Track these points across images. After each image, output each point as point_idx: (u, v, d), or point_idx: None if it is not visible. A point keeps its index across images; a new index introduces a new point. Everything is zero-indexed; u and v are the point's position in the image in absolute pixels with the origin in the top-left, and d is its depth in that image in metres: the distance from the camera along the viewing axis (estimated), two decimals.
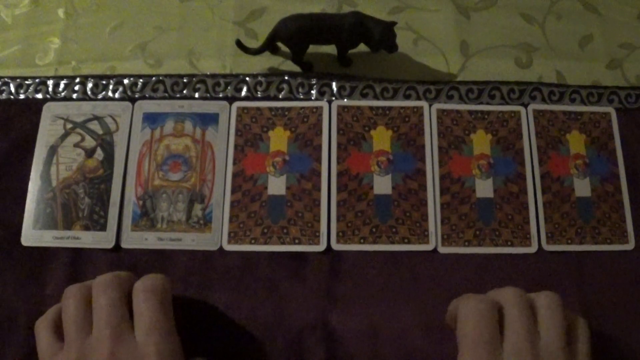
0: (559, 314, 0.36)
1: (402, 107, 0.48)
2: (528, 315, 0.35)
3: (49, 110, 0.48)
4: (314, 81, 0.49)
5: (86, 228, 0.45)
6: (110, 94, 0.49)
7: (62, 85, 0.49)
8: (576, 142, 0.48)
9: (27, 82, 0.49)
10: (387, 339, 0.42)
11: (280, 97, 0.48)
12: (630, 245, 0.45)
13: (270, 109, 0.48)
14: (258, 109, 0.48)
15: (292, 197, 0.45)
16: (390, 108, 0.48)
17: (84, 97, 0.49)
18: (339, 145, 0.47)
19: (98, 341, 0.35)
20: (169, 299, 0.38)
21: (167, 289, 0.38)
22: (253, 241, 0.44)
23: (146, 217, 0.45)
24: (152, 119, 0.48)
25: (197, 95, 0.49)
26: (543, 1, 0.54)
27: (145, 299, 0.36)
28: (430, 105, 0.48)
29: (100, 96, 0.49)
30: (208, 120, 0.48)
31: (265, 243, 0.44)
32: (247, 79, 0.49)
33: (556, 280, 0.44)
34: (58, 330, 0.37)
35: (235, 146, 0.47)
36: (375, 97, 0.49)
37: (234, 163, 0.46)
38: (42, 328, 0.37)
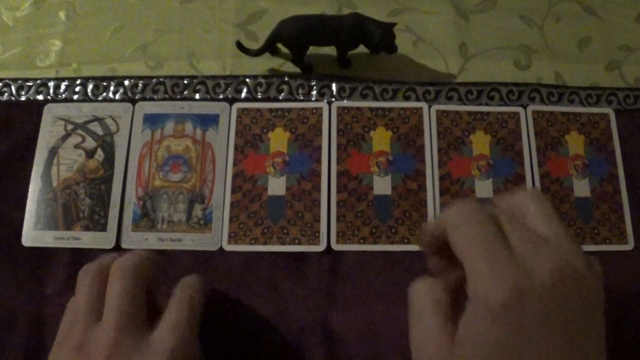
0: (547, 205, 0.31)
1: (401, 108, 0.48)
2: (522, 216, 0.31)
3: (50, 112, 0.48)
4: (314, 82, 0.49)
5: (87, 228, 0.45)
6: (110, 95, 0.49)
7: (63, 87, 0.49)
8: (575, 143, 0.48)
9: (28, 83, 0.50)
10: (387, 339, 0.42)
11: (280, 98, 0.49)
12: (629, 246, 0.45)
13: (270, 110, 0.48)
14: (258, 110, 0.48)
15: (292, 198, 0.45)
16: (389, 109, 0.48)
17: (85, 99, 0.49)
18: (338, 146, 0.47)
19: (103, 330, 0.33)
20: (199, 306, 0.37)
21: (200, 299, 0.37)
22: (253, 241, 0.44)
23: (146, 218, 0.45)
24: (152, 120, 0.48)
25: (197, 96, 0.49)
26: (542, 3, 0.54)
27: (180, 298, 0.36)
28: (429, 106, 0.48)
29: (100, 97, 0.49)
30: (208, 121, 0.48)
31: (265, 243, 0.44)
32: (248, 80, 0.49)
33: None
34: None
35: (236, 147, 0.47)
36: (375, 98, 0.49)
37: (234, 164, 0.46)
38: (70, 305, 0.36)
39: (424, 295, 0.32)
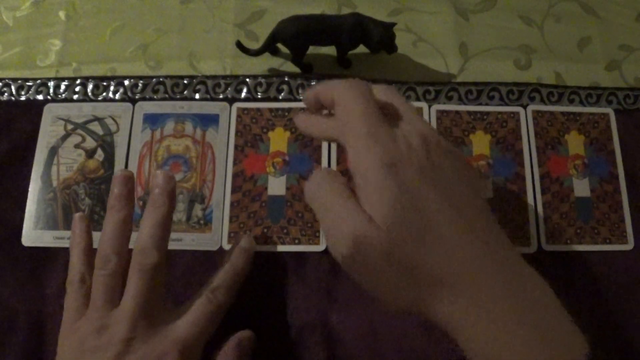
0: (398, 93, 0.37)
1: None
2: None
3: (50, 112, 0.48)
4: (313, 82, 0.49)
5: None
6: (110, 95, 0.49)
7: (62, 87, 0.49)
8: (575, 142, 0.48)
9: (28, 83, 0.50)
10: (387, 339, 0.42)
11: (280, 98, 0.49)
12: (629, 246, 0.45)
13: (270, 109, 0.48)
14: (258, 109, 0.48)
15: (292, 198, 0.45)
16: None
17: (85, 99, 0.49)
18: (338, 145, 0.47)
19: (122, 315, 0.35)
20: (227, 306, 0.39)
21: (230, 301, 0.40)
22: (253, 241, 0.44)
23: None
24: (152, 120, 0.48)
25: (197, 96, 0.49)
26: (542, 3, 0.54)
27: (208, 301, 0.38)
28: (429, 106, 0.48)
29: (100, 97, 0.49)
30: (208, 121, 0.48)
31: (265, 243, 0.44)
32: (247, 80, 0.49)
33: (556, 280, 0.44)
34: (88, 295, 0.38)
35: (236, 147, 0.47)
36: None
37: (234, 163, 0.46)
38: (73, 289, 0.38)
39: (327, 188, 0.34)
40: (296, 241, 0.44)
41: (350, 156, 0.33)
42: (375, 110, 0.33)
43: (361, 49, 0.48)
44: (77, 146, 0.47)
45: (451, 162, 0.33)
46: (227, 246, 0.44)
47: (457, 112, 0.48)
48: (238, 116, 0.48)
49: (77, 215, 0.41)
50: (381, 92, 0.36)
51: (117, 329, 0.35)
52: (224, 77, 0.50)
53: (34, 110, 0.48)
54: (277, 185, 0.46)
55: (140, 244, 0.37)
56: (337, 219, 0.32)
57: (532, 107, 0.49)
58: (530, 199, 0.46)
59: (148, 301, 0.36)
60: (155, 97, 0.49)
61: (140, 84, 0.49)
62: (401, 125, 0.34)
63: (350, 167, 0.33)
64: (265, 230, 0.45)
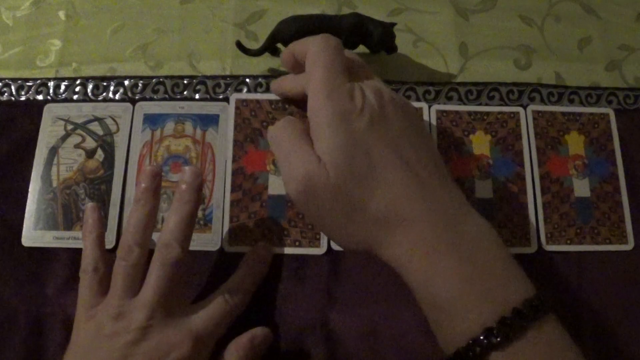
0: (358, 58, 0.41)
1: None
2: None
3: (50, 112, 0.48)
4: None
5: None
6: (110, 95, 0.49)
7: (62, 87, 0.49)
8: (575, 142, 0.48)
9: (28, 83, 0.50)
10: (387, 339, 0.42)
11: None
12: (629, 246, 0.45)
13: (270, 102, 0.47)
14: (257, 102, 0.48)
15: None
16: None
17: (85, 99, 0.49)
18: None
19: (141, 303, 0.37)
20: (243, 307, 0.41)
21: (245, 303, 0.41)
22: (253, 242, 0.44)
23: None
24: (152, 120, 0.48)
25: (197, 96, 0.49)
26: (542, 3, 0.54)
27: (224, 301, 0.39)
28: (429, 106, 0.48)
29: (100, 97, 0.49)
30: (208, 121, 0.48)
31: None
32: (247, 80, 0.49)
33: (556, 280, 0.44)
34: (102, 282, 0.39)
35: (235, 142, 0.46)
36: None
37: (234, 160, 0.46)
38: (87, 277, 0.39)
39: (287, 133, 0.37)
40: (297, 243, 0.44)
41: (310, 104, 0.36)
42: (339, 64, 0.37)
43: (361, 49, 0.48)
44: (77, 146, 0.47)
45: (403, 117, 0.37)
46: (227, 247, 0.44)
47: (457, 112, 0.48)
48: (237, 108, 0.47)
49: (90, 205, 0.42)
50: (350, 52, 0.41)
51: (135, 316, 0.36)
52: (224, 77, 0.50)
53: (34, 110, 0.48)
54: (277, 184, 0.46)
55: (164, 238, 0.38)
56: (292, 159, 0.36)
57: (532, 107, 0.49)
58: (530, 199, 0.46)
59: (167, 293, 0.37)
60: (155, 97, 0.49)
61: (140, 84, 0.49)
62: (362, 81, 0.38)
63: (308, 114, 0.36)
64: (266, 231, 0.44)
